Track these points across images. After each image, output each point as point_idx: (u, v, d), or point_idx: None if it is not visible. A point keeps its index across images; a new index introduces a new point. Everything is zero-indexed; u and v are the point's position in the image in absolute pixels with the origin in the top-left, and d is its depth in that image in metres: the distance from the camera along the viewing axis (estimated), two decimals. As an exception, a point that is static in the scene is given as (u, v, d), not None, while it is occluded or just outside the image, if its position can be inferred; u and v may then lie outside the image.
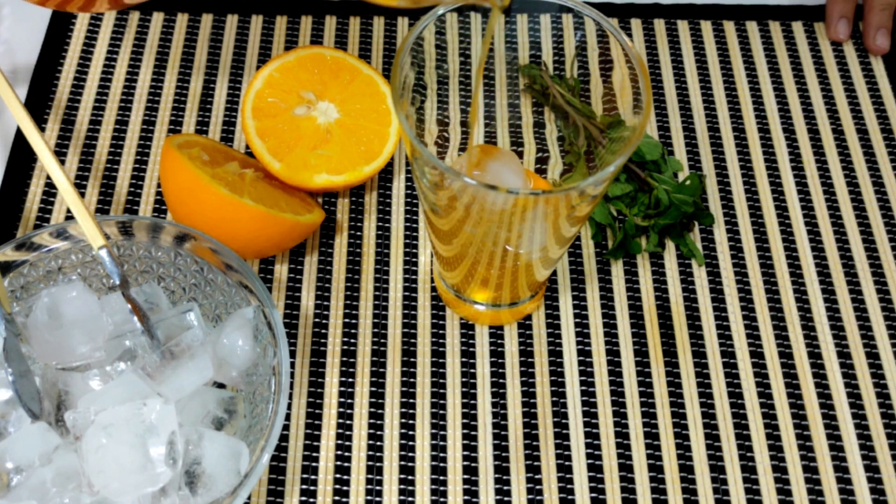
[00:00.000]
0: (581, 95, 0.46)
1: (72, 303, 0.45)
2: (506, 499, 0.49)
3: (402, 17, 0.65)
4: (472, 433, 0.50)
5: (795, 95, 0.63)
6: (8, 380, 0.43)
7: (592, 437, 0.50)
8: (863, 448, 0.50)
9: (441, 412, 0.51)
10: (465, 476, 0.49)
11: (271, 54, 0.63)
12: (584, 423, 0.51)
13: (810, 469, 0.50)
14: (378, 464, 0.49)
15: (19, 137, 0.59)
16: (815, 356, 0.53)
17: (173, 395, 0.43)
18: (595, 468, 0.50)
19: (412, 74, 0.43)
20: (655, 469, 0.50)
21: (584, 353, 0.53)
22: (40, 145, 0.45)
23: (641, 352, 0.53)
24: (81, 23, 0.64)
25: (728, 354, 0.53)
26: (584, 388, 0.52)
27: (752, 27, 0.66)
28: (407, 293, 0.54)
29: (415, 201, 0.58)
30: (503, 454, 0.50)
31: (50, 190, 0.57)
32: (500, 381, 0.52)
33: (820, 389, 0.52)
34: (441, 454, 0.50)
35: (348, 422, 0.50)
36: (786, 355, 0.53)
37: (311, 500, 0.48)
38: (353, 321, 0.53)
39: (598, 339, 0.53)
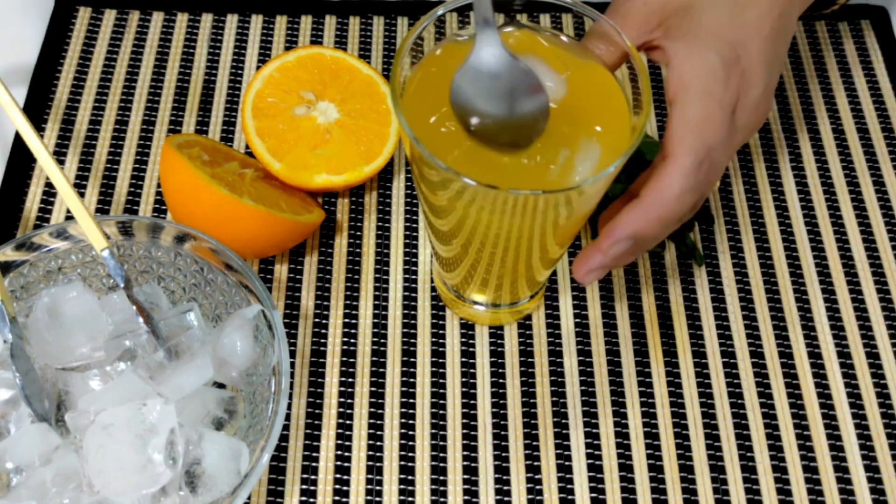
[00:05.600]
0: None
1: (72, 303, 0.45)
2: (506, 499, 0.49)
3: (402, 16, 0.65)
4: (472, 433, 0.50)
5: (796, 95, 0.63)
6: (16, 382, 0.43)
7: (592, 437, 0.50)
8: (863, 448, 0.50)
9: (441, 412, 0.51)
10: (465, 476, 0.49)
11: (271, 54, 0.63)
12: (584, 423, 0.51)
13: (810, 469, 0.50)
14: (378, 464, 0.49)
15: (19, 137, 0.59)
16: (815, 356, 0.53)
17: (173, 395, 0.43)
18: (595, 468, 0.50)
19: (412, 74, 0.43)
20: (655, 469, 0.50)
21: (584, 353, 0.53)
22: (40, 149, 0.45)
23: (641, 352, 0.53)
24: (81, 23, 0.64)
25: (728, 354, 0.53)
26: (584, 388, 0.52)
27: (752, 27, 0.66)
28: (407, 293, 0.54)
29: (415, 201, 0.58)
30: (503, 454, 0.50)
31: (50, 190, 0.57)
32: (500, 381, 0.52)
33: (820, 389, 0.52)
34: (441, 454, 0.50)
35: (348, 422, 0.50)
36: (786, 355, 0.53)
37: (311, 500, 0.48)
38: (353, 321, 0.53)
39: (598, 339, 0.53)
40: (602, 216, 0.46)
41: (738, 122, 0.43)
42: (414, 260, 0.55)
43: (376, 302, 0.54)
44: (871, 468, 0.50)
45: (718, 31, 0.42)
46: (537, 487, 0.49)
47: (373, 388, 0.51)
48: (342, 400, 0.51)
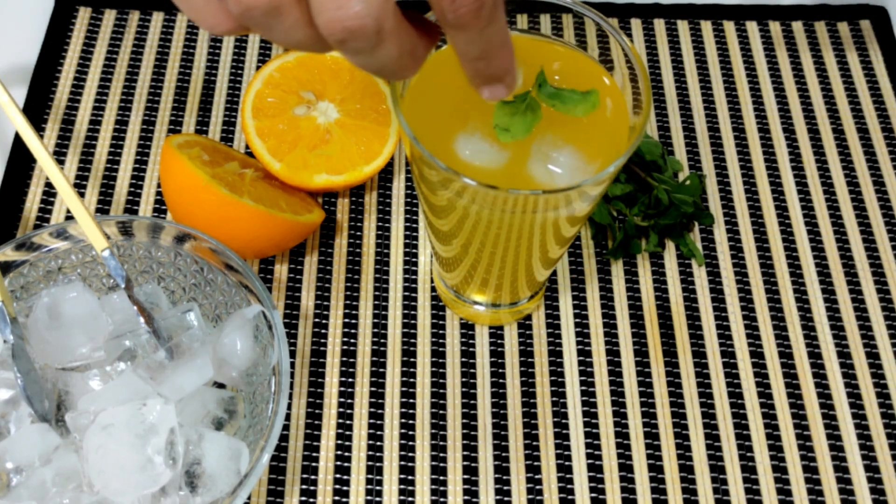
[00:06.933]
0: (581, 95, 0.46)
1: (72, 303, 0.45)
2: (506, 499, 0.49)
3: (402, 17, 0.65)
4: (472, 433, 0.50)
5: (795, 95, 0.63)
6: (17, 382, 0.43)
7: (592, 437, 0.50)
8: (863, 448, 0.50)
9: (441, 412, 0.51)
10: (465, 476, 0.49)
11: (271, 54, 0.63)
12: (584, 423, 0.51)
13: (810, 469, 0.50)
14: (378, 464, 0.49)
15: (19, 137, 0.59)
16: (815, 356, 0.53)
17: (173, 395, 0.43)
18: (595, 468, 0.50)
19: (412, 74, 0.43)
20: (655, 469, 0.50)
21: (584, 353, 0.53)
22: (39, 150, 0.45)
23: (641, 352, 0.53)
24: (81, 23, 0.64)
25: (728, 354, 0.53)
26: (584, 388, 0.52)
27: (752, 27, 0.66)
28: (407, 293, 0.54)
29: (415, 201, 0.58)
30: (503, 454, 0.50)
31: (50, 190, 0.57)
32: (500, 381, 0.52)
33: (820, 389, 0.52)
34: (441, 454, 0.50)
35: (348, 422, 0.50)
36: (786, 355, 0.53)
37: (311, 500, 0.48)
38: (353, 321, 0.53)
39: (598, 339, 0.53)
40: None
41: None
42: (414, 260, 0.55)
43: (376, 302, 0.54)
44: (871, 468, 0.50)
45: None
46: (537, 487, 0.49)
47: (373, 388, 0.51)
48: (342, 400, 0.51)
